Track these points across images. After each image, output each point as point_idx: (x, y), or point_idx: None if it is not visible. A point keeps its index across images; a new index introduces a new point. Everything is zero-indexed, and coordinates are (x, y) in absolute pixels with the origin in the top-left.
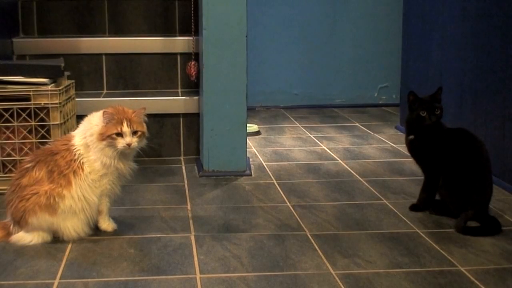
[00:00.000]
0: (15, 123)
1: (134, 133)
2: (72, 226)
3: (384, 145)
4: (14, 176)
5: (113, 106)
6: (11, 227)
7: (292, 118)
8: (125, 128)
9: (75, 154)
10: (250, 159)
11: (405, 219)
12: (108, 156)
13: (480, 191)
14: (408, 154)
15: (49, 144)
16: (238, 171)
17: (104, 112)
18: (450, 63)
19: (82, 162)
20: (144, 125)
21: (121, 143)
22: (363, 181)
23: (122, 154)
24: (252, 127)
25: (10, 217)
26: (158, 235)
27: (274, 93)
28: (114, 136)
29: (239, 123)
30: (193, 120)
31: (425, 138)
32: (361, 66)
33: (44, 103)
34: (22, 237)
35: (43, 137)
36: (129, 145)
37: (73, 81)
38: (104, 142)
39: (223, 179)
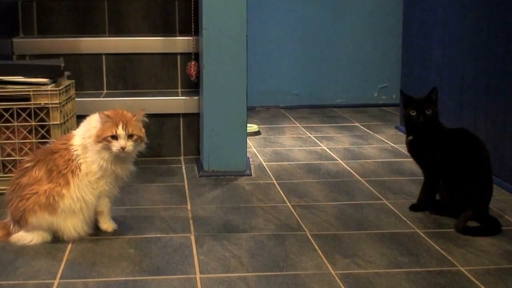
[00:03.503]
0: (15, 123)
1: (129, 136)
2: (72, 225)
3: (384, 145)
4: (14, 175)
5: (113, 109)
6: (11, 226)
7: (292, 118)
8: (120, 131)
9: (72, 154)
10: (250, 159)
11: (405, 219)
12: (104, 159)
13: (480, 191)
14: (408, 154)
15: (50, 143)
16: (238, 171)
17: (100, 113)
18: (450, 63)
19: (80, 163)
20: (143, 130)
21: (115, 146)
22: (363, 181)
23: (119, 158)
24: (252, 127)
25: (10, 217)
26: (158, 235)
27: (274, 93)
28: (109, 138)
29: (239, 123)
30: (193, 120)
31: (425, 139)
32: (361, 66)
33: (44, 103)
34: (22, 237)
35: (43, 137)
36: (123, 148)
37: (73, 81)
38: (100, 145)
39: (223, 179)
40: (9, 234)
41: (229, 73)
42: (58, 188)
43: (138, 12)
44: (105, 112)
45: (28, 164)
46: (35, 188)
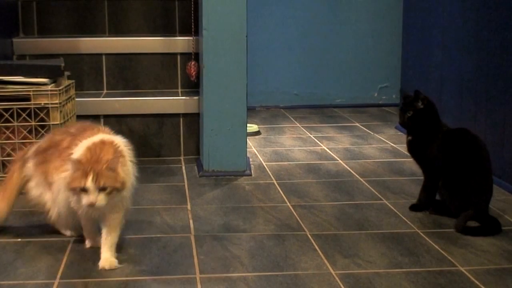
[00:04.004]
0: (15, 123)
1: (102, 189)
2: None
3: (384, 145)
4: (63, 128)
5: (91, 146)
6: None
7: (292, 118)
8: (89, 184)
9: (69, 146)
10: (250, 159)
11: (405, 219)
12: (76, 207)
13: (480, 191)
14: (408, 154)
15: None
16: (238, 171)
17: (72, 159)
18: (450, 63)
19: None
20: (120, 176)
21: (84, 200)
22: (363, 181)
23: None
24: (252, 127)
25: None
26: (158, 235)
27: (274, 93)
28: (78, 190)
29: (239, 123)
30: (193, 120)
31: (424, 139)
32: (361, 66)
33: (44, 103)
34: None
35: (43, 137)
36: (92, 204)
37: (73, 81)
38: (70, 193)
39: (223, 179)
40: (23, 166)
41: (229, 73)
42: (53, 172)
43: (138, 12)
44: (77, 157)
45: (73, 130)
46: (52, 159)
